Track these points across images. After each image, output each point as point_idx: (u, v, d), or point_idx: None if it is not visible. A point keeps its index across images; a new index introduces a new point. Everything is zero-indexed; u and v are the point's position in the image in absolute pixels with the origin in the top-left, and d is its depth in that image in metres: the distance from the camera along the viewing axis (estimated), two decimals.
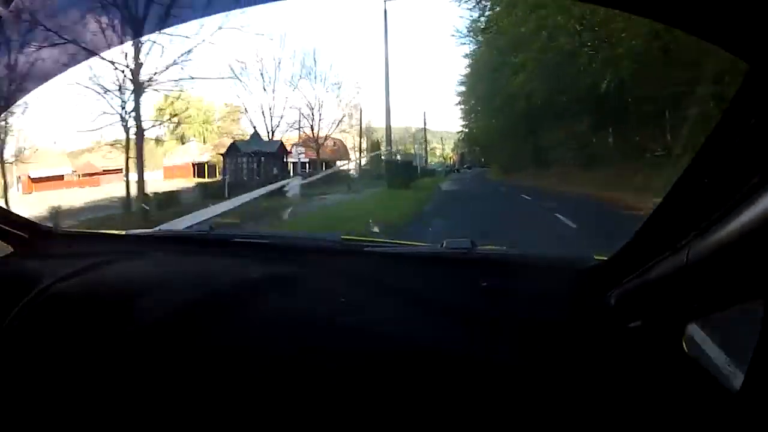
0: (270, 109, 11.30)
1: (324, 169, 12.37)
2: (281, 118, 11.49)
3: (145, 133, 9.34)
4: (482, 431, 0.55)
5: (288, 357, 0.65)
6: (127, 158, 9.21)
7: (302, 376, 0.62)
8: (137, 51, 8.49)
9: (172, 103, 10.54)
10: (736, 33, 0.39)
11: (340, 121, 12.67)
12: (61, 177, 10.93)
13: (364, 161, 14.52)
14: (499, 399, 0.57)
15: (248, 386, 0.62)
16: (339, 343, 0.67)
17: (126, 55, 8.46)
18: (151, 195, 9.22)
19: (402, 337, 0.67)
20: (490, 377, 0.58)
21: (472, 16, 13.60)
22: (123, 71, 8.61)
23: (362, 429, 0.57)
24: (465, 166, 18.70)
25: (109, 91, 8.74)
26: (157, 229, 1.37)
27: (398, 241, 1.11)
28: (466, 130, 18.01)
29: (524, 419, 0.55)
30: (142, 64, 8.74)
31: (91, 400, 0.66)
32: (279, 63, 11.77)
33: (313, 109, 11.89)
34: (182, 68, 9.41)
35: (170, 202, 9.03)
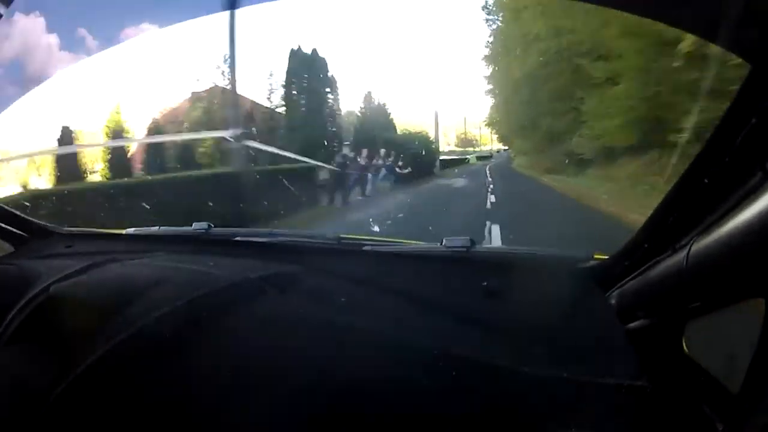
0: None
1: None
2: None
3: None
4: (482, 431, 0.55)
5: (287, 356, 0.65)
6: None
7: (301, 374, 0.62)
8: None
9: None
10: (736, 33, 0.39)
11: None
12: None
13: None
14: (498, 398, 0.57)
15: (247, 385, 0.63)
16: (338, 342, 0.67)
17: None
18: None
19: (401, 336, 0.66)
20: (489, 377, 0.58)
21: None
22: None
23: (361, 426, 0.57)
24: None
25: None
26: (156, 228, 1.37)
27: (397, 240, 1.11)
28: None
29: (524, 419, 0.55)
30: None
31: (90, 399, 0.67)
32: None
33: None
34: None
35: None
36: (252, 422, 0.59)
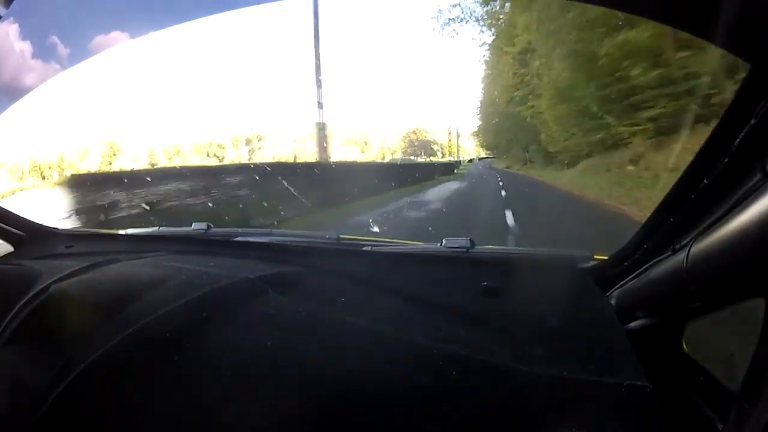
0: None
1: None
2: None
3: None
4: (482, 430, 0.55)
5: (287, 356, 0.65)
6: None
7: (301, 374, 0.62)
8: None
9: None
10: (736, 33, 0.39)
11: None
12: None
13: None
14: (498, 398, 0.57)
15: (247, 385, 0.62)
16: (338, 343, 0.67)
17: None
18: None
19: (401, 336, 0.66)
20: (489, 376, 0.58)
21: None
22: None
23: (361, 426, 0.57)
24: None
25: None
26: (156, 228, 1.37)
27: (397, 240, 1.11)
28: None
29: (523, 418, 0.55)
30: None
31: (90, 399, 0.66)
32: None
33: None
34: None
35: None
36: (252, 422, 0.59)
